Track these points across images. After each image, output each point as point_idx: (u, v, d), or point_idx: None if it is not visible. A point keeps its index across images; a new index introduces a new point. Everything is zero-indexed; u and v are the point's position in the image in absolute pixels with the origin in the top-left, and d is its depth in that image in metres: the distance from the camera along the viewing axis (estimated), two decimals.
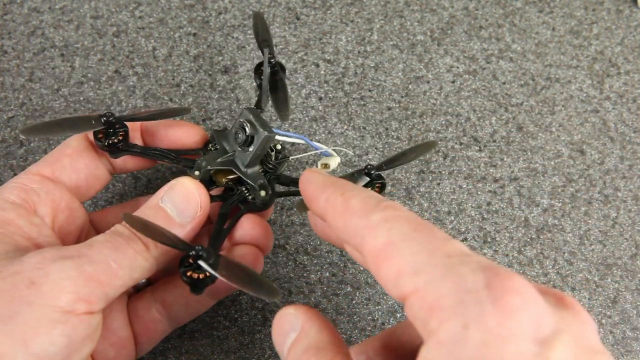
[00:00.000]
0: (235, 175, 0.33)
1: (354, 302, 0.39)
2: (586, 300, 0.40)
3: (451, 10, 0.49)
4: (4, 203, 0.29)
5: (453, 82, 0.47)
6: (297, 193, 0.32)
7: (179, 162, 0.33)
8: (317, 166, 0.33)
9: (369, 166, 0.31)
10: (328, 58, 0.47)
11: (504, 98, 0.46)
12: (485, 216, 0.42)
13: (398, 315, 0.39)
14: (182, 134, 0.34)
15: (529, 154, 0.45)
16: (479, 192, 0.43)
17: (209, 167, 0.32)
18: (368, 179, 0.31)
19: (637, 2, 0.51)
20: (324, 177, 0.27)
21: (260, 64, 0.35)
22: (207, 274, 0.26)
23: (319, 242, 0.40)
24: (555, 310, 0.20)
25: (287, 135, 0.32)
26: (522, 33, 0.49)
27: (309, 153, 0.32)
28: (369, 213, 0.23)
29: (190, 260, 0.26)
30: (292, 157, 0.32)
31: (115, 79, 0.44)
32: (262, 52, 0.35)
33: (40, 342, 0.25)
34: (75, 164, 0.32)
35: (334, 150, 0.32)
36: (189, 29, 0.47)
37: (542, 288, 0.21)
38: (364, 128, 0.44)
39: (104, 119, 0.31)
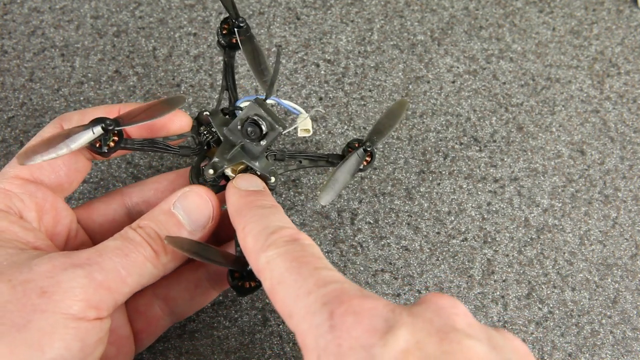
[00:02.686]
0: (244, 166, 0.32)
1: None
2: (586, 300, 0.40)
3: (451, 10, 0.49)
4: None
5: (453, 82, 0.47)
6: (295, 169, 0.35)
7: (177, 152, 0.32)
8: (297, 133, 0.35)
9: (367, 144, 0.34)
10: (328, 58, 0.47)
11: (504, 98, 0.46)
12: (486, 216, 0.42)
13: None
14: (168, 122, 0.33)
15: (529, 154, 0.45)
16: (479, 192, 0.43)
17: (224, 166, 0.31)
18: (364, 153, 0.34)
19: (637, 2, 0.51)
20: (237, 199, 0.30)
21: (225, 20, 0.34)
22: (256, 282, 0.30)
23: (318, 242, 0.40)
24: (400, 310, 0.23)
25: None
26: (523, 33, 0.49)
27: (293, 127, 0.33)
28: (258, 255, 0.26)
29: (238, 274, 0.30)
30: (284, 132, 0.32)
31: (116, 79, 0.44)
32: (237, 33, 0.33)
33: (56, 348, 0.25)
34: (53, 162, 0.31)
35: (307, 111, 0.34)
36: (189, 29, 0.47)
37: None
38: (365, 128, 0.44)
39: (103, 125, 0.29)
